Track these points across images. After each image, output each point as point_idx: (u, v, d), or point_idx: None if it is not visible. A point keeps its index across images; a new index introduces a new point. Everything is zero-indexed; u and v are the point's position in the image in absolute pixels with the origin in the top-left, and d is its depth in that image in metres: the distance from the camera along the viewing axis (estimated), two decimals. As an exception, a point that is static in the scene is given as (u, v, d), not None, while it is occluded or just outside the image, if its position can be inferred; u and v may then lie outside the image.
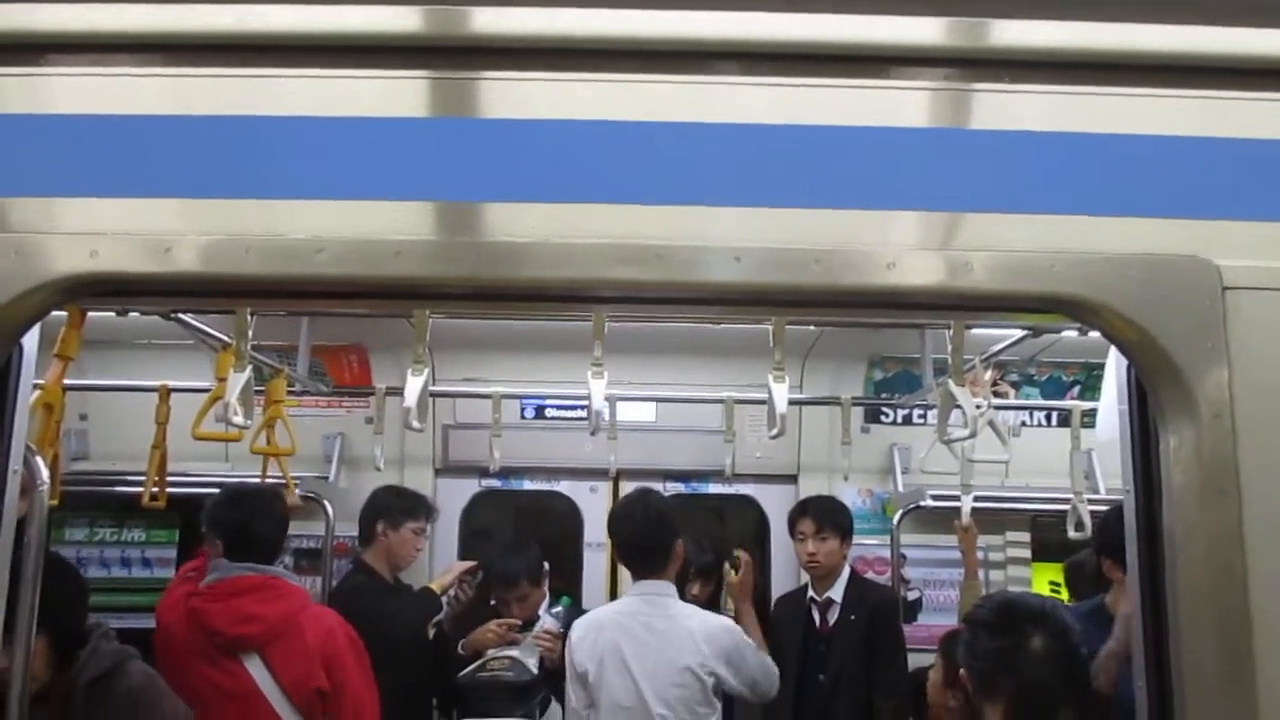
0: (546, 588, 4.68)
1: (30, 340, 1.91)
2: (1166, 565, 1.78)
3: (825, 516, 4.58)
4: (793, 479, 5.40)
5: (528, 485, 5.55)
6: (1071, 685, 2.44)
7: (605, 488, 5.47)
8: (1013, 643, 2.45)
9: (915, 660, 4.62)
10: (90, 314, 3.07)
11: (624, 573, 5.29)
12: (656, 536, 3.75)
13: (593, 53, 1.93)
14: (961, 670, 2.54)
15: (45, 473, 2.30)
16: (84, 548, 5.32)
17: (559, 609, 4.51)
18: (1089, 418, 4.67)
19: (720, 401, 4.94)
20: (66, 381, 3.18)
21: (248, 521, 3.63)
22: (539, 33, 1.92)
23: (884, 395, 5.40)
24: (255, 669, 3.33)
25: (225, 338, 3.87)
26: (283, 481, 4.35)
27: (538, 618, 4.46)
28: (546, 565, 4.72)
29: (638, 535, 3.77)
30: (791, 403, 3.53)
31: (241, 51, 1.93)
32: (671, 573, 3.80)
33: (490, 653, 4.27)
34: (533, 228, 1.82)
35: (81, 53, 1.93)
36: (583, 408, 5.26)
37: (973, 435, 3.46)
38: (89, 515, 5.33)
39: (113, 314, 3.65)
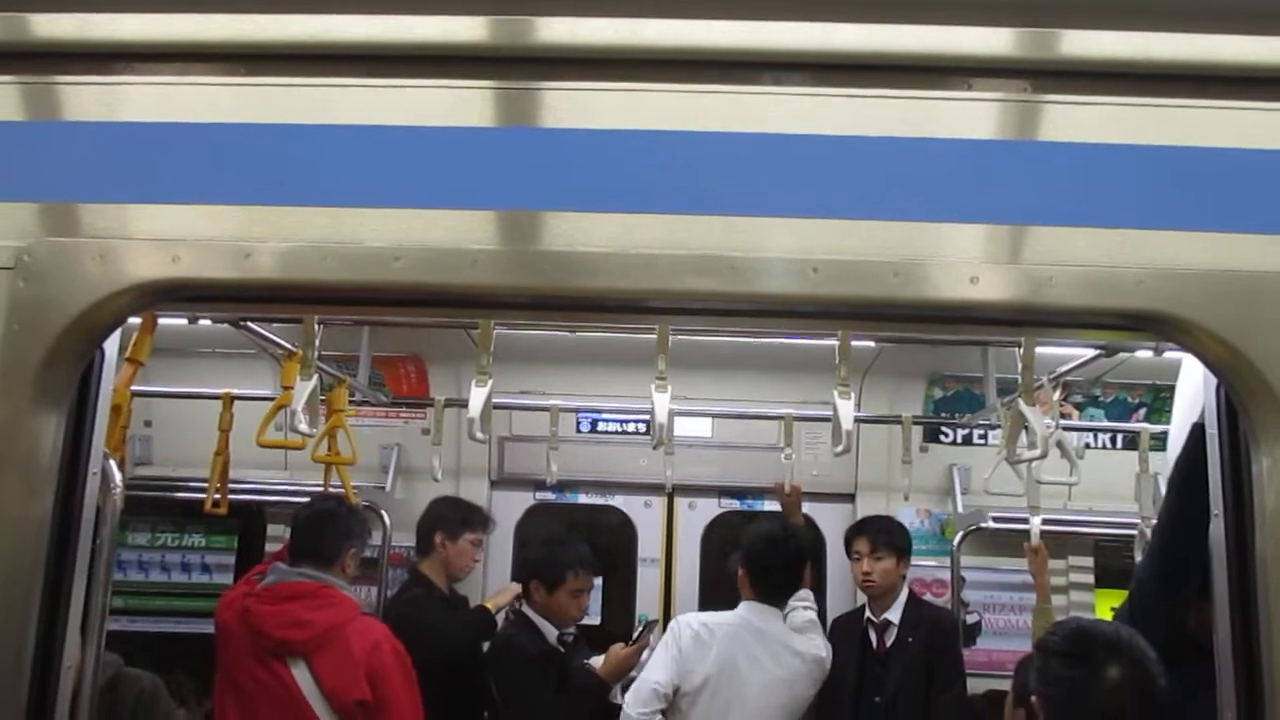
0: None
1: (111, 345, 1.94)
2: (1259, 590, 1.72)
3: (881, 536, 4.51)
4: (850, 498, 5.34)
5: (582, 499, 5.55)
6: (1149, 714, 2.36)
7: (660, 503, 5.45)
8: (1087, 672, 2.38)
9: (973, 685, 4.54)
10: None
11: (680, 590, 5.33)
12: (796, 569, 4.14)
13: (669, 63, 1.92)
14: (1033, 697, 2.47)
15: (118, 476, 2.33)
16: (145, 552, 5.41)
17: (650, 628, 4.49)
18: (1156, 440, 4.57)
19: (779, 418, 4.90)
20: (133, 388, 3.24)
21: (310, 528, 3.68)
22: (612, 43, 1.91)
23: (943, 414, 5.33)
24: (300, 674, 3.36)
25: (290, 346, 3.92)
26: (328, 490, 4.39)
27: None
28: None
29: (786, 566, 4.09)
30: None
31: (318, 61, 1.95)
32: (784, 602, 4.13)
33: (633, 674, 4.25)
34: (607, 238, 1.81)
35: (162, 62, 1.96)
36: (638, 422, 5.29)
37: (1043, 456, 3.39)
38: (151, 520, 5.42)
39: (175, 321, 3.71)
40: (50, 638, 1.80)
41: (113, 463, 2.35)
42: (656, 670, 3.84)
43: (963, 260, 1.79)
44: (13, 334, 1.76)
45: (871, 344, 4.70)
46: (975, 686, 4.56)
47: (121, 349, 2.89)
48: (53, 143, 1.95)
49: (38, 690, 1.77)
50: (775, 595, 4.07)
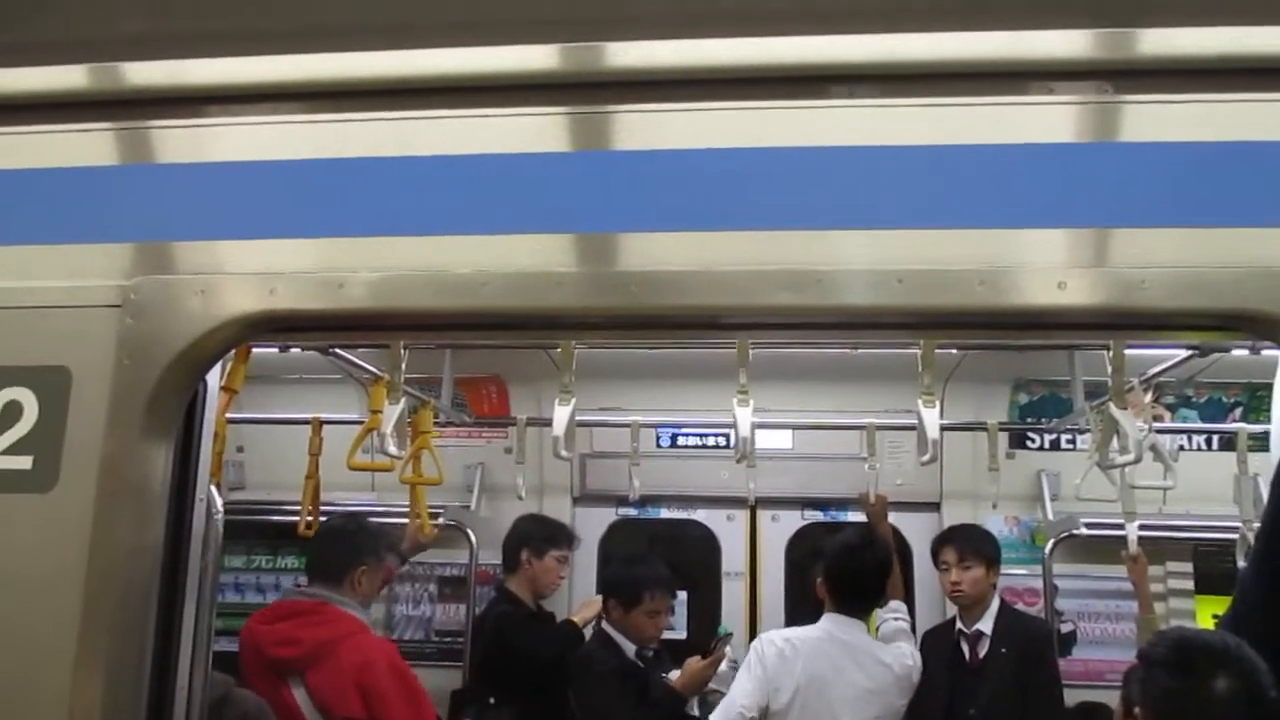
0: None
1: (212, 376, 2.01)
2: None
3: (969, 545, 4.45)
4: (935, 507, 5.26)
5: (664, 514, 5.55)
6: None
7: (742, 516, 5.44)
8: (1193, 684, 2.32)
9: (1070, 696, 4.44)
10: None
11: (765, 603, 5.31)
12: (877, 579, 4.09)
13: (741, 81, 1.93)
14: (1137, 709, 2.41)
15: (220, 501, 2.41)
16: (241, 574, 5.55)
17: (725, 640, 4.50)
18: (1255, 440, 4.43)
19: (861, 428, 4.85)
20: (229, 415, 3.35)
21: (320, 546, 3.72)
22: (684, 64, 1.93)
23: (1029, 419, 5.23)
24: (299, 692, 3.36)
25: (376, 371, 4.00)
26: (438, 510, 4.46)
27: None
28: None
29: (866, 575, 4.05)
30: None
31: (399, 95, 2.00)
32: (868, 614, 4.11)
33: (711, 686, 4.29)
34: (688, 256, 1.83)
35: (251, 103, 2.04)
36: (718, 435, 5.28)
37: (1137, 460, 3.31)
38: (246, 543, 5.57)
39: (265, 350, 3.82)
40: (165, 660, 1.88)
41: (214, 488, 2.44)
42: (742, 693, 3.83)
43: (1050, 266, 1.76)
44: (123, 369, 1.84)
45: (954, 350, 4.64)
46: (1071, 697, 4.46)
47: (218, 378, 2.99)
48: (152, 185, 2.03)
49: (155, 708, 1.84)
50: (856, 605, 4.02)
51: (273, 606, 3.57)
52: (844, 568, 4.05)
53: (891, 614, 4.19)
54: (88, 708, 1.74)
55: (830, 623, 3.99)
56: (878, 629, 4.10)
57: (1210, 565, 5.01)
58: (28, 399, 1.86)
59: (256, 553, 5.58)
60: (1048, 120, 1.86)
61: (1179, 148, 1.83)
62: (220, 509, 2.30)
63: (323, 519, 4.48)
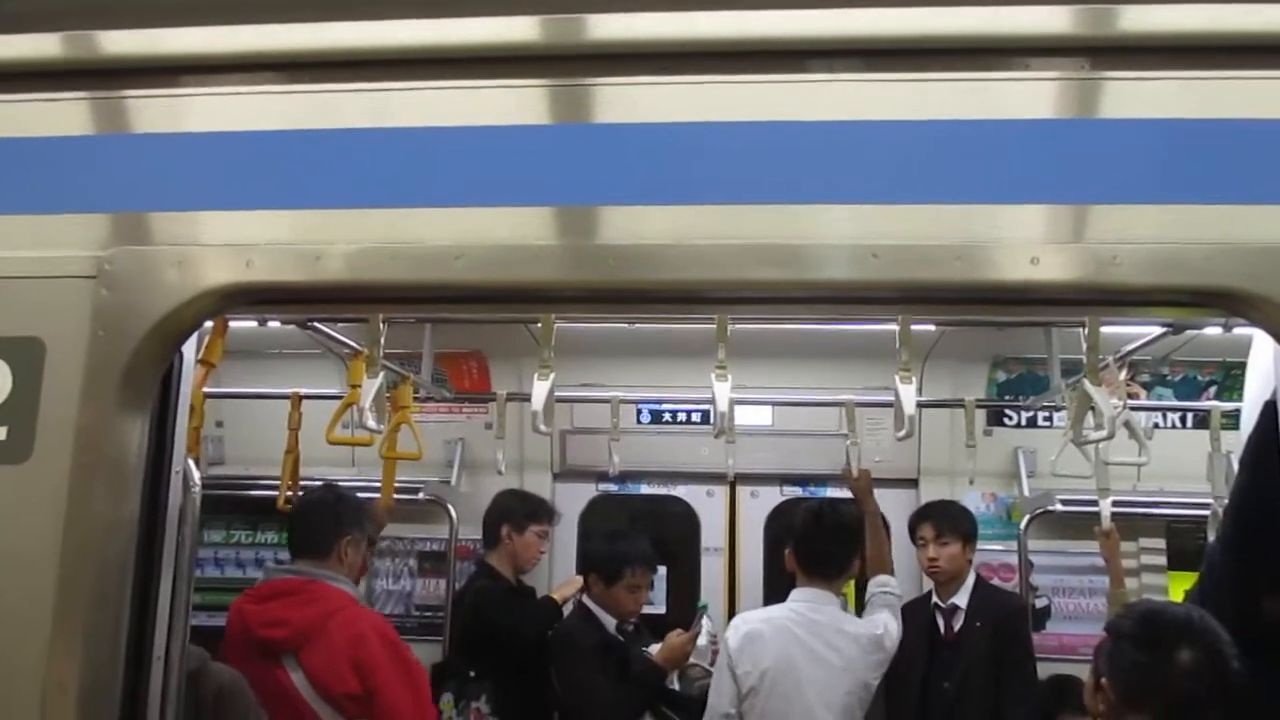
0: None
1: (189, 348, 2.00)
2: None
3: (946, 521, 4.50)
4: (913, 483, 5.30)
5: (644, 489, 5.57)
6: (1223, 699, 2.32)
7: (722, 492, 5.46)
8: (1158, 656, 2.35)
9: (1044, 669, 4.49)
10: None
11: (744, 578, 5.34)
12: (844, 546, 4.08)
13: (720, 55, 1.93)
14: (1104, 680, 2.45)
15: (197, 475, 2.40)
16: (221, 549, 5.55)
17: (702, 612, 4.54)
18: (1228, 419, 4.47)
19: (840, 405, 4.88)
20: (207, 389, 3.33)
21: (301, 521, 3.64)
22: (664, 37, 1.93)
23: (1007, 397, 5.27)
24: (294, 672, 3.31)
25: (355, 345, 3.99)
26: (417, 485, 4.45)
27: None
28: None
29: (826, 543, 4.05)
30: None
31: (378, 66, 1.99)
32: (840, 585, 4.07)
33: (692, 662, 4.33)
34: (665, 230, 1.83)
35: (227, 73, 2.02)
36: (699, 412, 5.30)
37: (1110, 437, 3.34)
38: (225, 518, 5.56)
39: (244, 324, 3.80)
40: (141, 632, 1.88)
41: (191, 462, 2.43)
42: (717, 695, 3.88)
43: (1024, 241, 1.78)
44: (98, 340, 1.83)
45: (932, 328, 4.66)
46: (1045, 670, 4.51)
47: (195, 352, 2.98)
48: (127, 155, 2.02)
49: (131, 680, 1.85)
50: (821, 573, 4.02)
51: (261, 586, 3.50)
52: (807, 534, 4.09)
53: (880, 588, 4.21)
54: (63, 680, 1.75)
55: (799, 598, 4.00)
56: (868, 602, 4.14)
57: (1183, 542, 5.07)
58: (1, 370, 1.85)
59: (236, 528, 5.57)
60: (1025, 96, 1.87)
61: (1155, 124, 1.84)
62: (197, 483, 2.30)
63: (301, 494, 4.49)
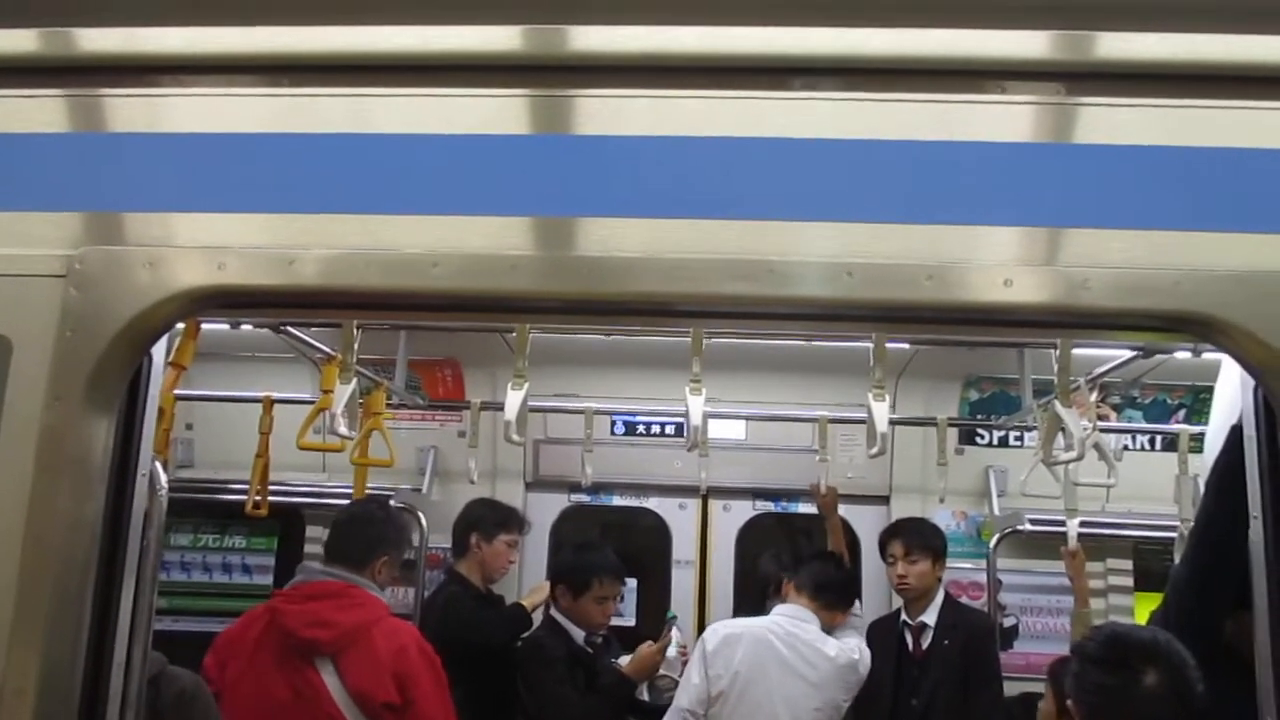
0: None
1: (158, 350, 1.98)
2: None
3: (916, 539, 4.51)
4: (885, 500, 5.32)
5: (617, 501, 5.57)
6: (1188, 720, 2.34)
7: (694, 505, 5.47)
8: (1123, 679, 2.37)
9: (1010, 688, 4.51)
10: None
11: (714, 592, 5.34)
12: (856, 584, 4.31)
13: (701, 69, 1.94)
14: (1069, 702, 2.46)
15: (164, 478, 2.38)
16: (188, 553, 5.48)
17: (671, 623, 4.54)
18: (1196, 442, 4.51)
19: (813, 420, 4.89)
20: (178, 391, 3.30)
21: (345, 530, 3.65)
22: (644, 50, 1.93)
23: (979, 416, 5.30)
24: (328, 676, 3.30)
25: (329, 350, 3.97)
26: (388, 493, 4.43)
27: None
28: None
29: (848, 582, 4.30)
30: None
31: (358, 71, 1.99)
32: (829, 617, 4.14)
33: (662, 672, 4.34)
34: (641, 242, 1.83)
35: (206, 74, 2.01)
36: (673, 424, 5.31)
37: (1079, 458, 3.37)
38: (193, 521, 5.50)
39: (216, 326, 3.77)
40: (102, 635, 1.85)
41: (159, 465, 2.40)
42: (685, 693, 3.91)
43: (997, 263, 1.79)
44: (65, 340, 1.81)
45: (906, 346, 4.69)
46: (1012, 689, 4.53)
47: (165, 354, 2.95)
48: (101, 154, 2.00)
49: (90, 684, 1.82)
50: (828, 603, 4.10)
51: (299, 586, 3.48)
52: (825, 574, 4.19)
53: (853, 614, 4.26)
54: (20, 684, 1.72)
55: (784, 611, 4.04)
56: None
57: (1150, 563, 5.12)
58: None
59: (204, 531, 5.51)
60: (1000, 119, 1.89)
61: (1128, 150, 1.86)
62: (164, 485, 2.28)
63: (273, 499, 4.45)
